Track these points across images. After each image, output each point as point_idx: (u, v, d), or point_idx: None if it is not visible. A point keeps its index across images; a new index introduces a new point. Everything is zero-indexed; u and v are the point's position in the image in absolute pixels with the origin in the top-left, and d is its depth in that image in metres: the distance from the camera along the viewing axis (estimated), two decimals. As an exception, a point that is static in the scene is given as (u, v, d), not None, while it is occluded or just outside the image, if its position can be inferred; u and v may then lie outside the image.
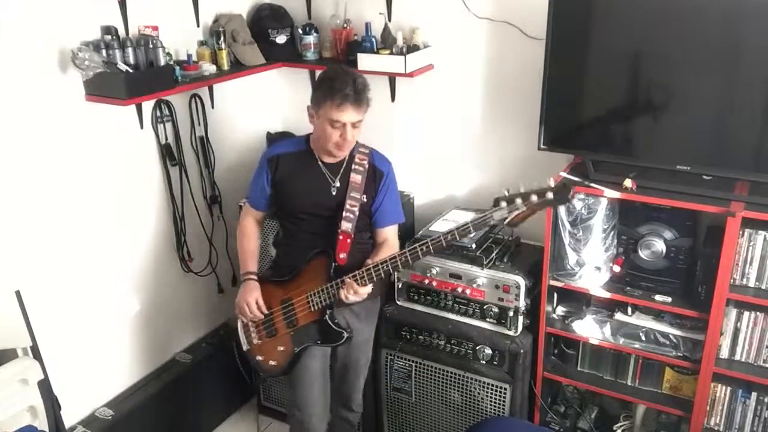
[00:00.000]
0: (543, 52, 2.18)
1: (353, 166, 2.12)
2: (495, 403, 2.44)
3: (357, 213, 2.11)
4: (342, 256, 2.10)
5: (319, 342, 2.16)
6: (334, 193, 2.12)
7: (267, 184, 2.18)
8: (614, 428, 2.61)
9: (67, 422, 2.38)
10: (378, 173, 2.16)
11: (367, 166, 2.13)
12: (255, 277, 2.20)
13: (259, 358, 2.23)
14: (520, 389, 2.40)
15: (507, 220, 1.83)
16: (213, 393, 2.95)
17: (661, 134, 2.11)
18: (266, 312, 2.18)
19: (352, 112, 1.95)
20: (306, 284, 2.12)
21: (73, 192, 2.35)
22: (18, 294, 2.07)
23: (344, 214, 2.09)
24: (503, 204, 1.82)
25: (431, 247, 1.94)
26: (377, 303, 2.38)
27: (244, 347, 2.26)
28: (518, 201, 1.80)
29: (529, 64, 2.41)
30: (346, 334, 2.15)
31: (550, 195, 1.77)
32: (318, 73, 2.97)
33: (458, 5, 2.56)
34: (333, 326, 2.13)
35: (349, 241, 2.10)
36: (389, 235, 2.22)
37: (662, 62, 2.02)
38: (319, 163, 2.12)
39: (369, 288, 2.03)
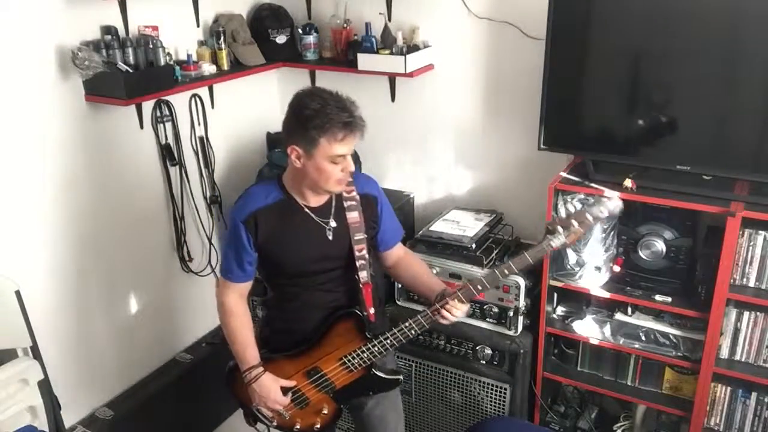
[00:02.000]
0: (543, 52, 2.18)
1: (345, 203, 1.82)
2: (495, 403, 2.44)
3: (367, 255, 1.84)
4: (372, 311, 1.85)
5: (371, 393, 1.96)
6: (331, 238, 1.80)
7: (250, 248, 1.80)
8: (614, 428, 2.61)
9: (67, 422, 2.38)
10: (371, 199, 1.88)
11: (358, 197, 1.84)
12: (261, 369, 1.85)
13: (298, 426, 1.95)
14: (520, 389, 2.40)
15: (565, 245, 1.78)
16: (213, 393, 2.94)
17: (661, 134, 2.11)
18: (292, 388, 1.89)
19: (352, 142, 1.67)
20: (334, 351, 1.86)
21: (73, 192, 2.34)
22: (18, 294, 2.06)
23: (358, 263, 1.82)
24: (560, 229, 1.74)
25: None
26: None
27: (272, 424, 1.96)
28: (574, 223, 1.73)
29: (529, 64, 2.41)
30: (401, 377, 1.97)
31: (604, 211, 1.74)
32: (318, 73, 2.99)
33: (458, 5, 2.56)
34: (387, 377, 1.92)
35: (370, 290, 1.85)
36: (401, 250, 2.01)
37: (662, 62, 2.02)
38: (305, 209, 1.80)
39: (467, 306, 1.81)
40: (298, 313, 1.89)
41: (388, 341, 1.82)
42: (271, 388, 1.85)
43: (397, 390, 2.02)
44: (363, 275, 1.84)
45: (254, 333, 1.91)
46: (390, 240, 1.97)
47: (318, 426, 1.96)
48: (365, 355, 1.84)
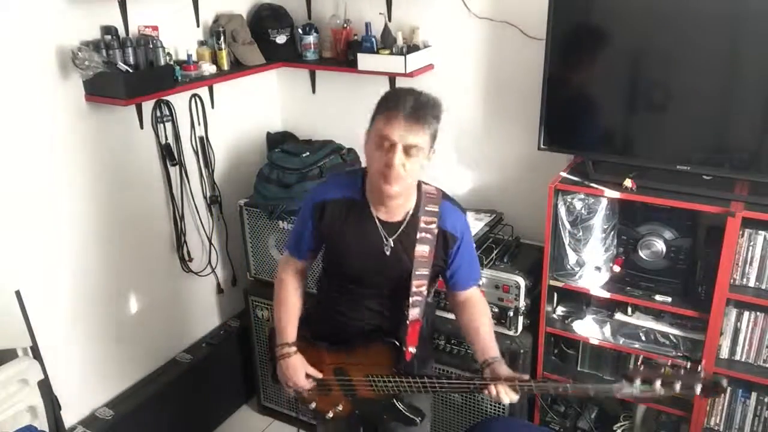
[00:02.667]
0: (543, 52, 2.18)
1: (419, 234, 1.69)
2: (495, 403, 2.44)
3: (425, 293, 1.76)
4: (411, 350, 1.77)
5: (384, 418, 1.91)
6: (387, 253, 1.71)
7: (310, 235, 1.80)
8: (614, 428, 2.61)
9: (67, 422, 2.38)
10: (450, 239, 1.74)
11: (436, 231, 1.70)
12: (294, 350, 1.86)
13: (314, 405, 1.97)
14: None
15: (636, 399, 1.64)
16: (213, 393, 2.95)
17: (661, 134, 2.11)
18: (317, 378, 1.91)
19: (403, 128, 1.54)
20: (364, 365, 1.83)
21: (73, 192, 2.35)
22: (18, 294, 2.07)
23: (412, 299, 1.72)
24: (637, 383, 1.55)
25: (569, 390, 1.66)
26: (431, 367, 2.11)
27: (291, 394, 2.00)
28: (657, 385, 1.53)
29: (529, 64, 2.41)
30: (419, 420, 1.88)
31: (698, 388, 1.52)
32: (318, 73, 3.00)
33: (458, 5, 2.56)
34: (406, 413, 1.86)
35: (417, 328, 1.77)
36: (472, 294, 1.86)
37: (662, 62, 2.02)
38: (374, 217, 1.72)
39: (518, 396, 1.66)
40: (340, 315, 1.87)
41: (416, 386, 1.76)
42: (296, 371, 1.86)
43: (425, 426, 1.95)
44: (414, 312, 1.75)
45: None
46: (462, 282, 1.84)
47: (330, 415, 1.95)
48: (389, 386, 1.80)
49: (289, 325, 1.88)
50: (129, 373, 2.71)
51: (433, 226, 1.71)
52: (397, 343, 1.78)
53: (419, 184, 1.74)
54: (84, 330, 2.49)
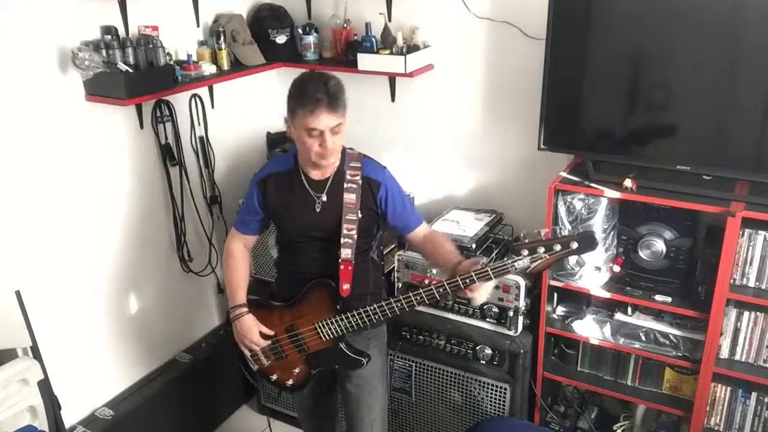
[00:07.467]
0: (543, 52, 2.18)
1: (345, 185, 1.94)
2: (495, 403, 2.44)
3: (356, 236, 1.94)
4: (345, 287, 1.94)
5: (336, 367, 2.07)
6: (318, 210, 1.94)
7: (258, 207, 2.02)
8: (614, 428, 2.61)
9: (67, 422, 2.38)
10: (373, 184, 1.96)
11: (360, 181, 1.95)
12: (246, 310, 2.03)
13: (275, 377, 2.11)
14: (520, 389, 2.40)
15: (528, 270, 1.72)
16: (213, 393, 2.95)
17: (661, 134, 2.11)
18: (271, 336, 2.03)
19: (327, 117, 1.78)
20: (310, 314, 1.98)
21: (73, 192, 2.35)
22: (18, 294, 2.07)
23: (342, 240, 1.92)
24: (525, 253, 1.69)
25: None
26: (384, 333, 2.20)
27: (254, 368, 2.12)
28: (541, 251, 1.69)
29: (529, 64, 2.41)
30: (365, 360, 2.01)
31: (574, 245, 1.68)
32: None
33: (458, 5, 2.56)
34: (351, 355, 2.00)
35: (350, 268, 1.94)
36: (425, 230, 2.06)
37: (662, 62, 2.02)
38: (304, 180, 1.96)
39: (492, 284, 1.78)
40: (290, 274, 2.07)
41: (354, 320, 1.92)
42: (250, 329, 2.01)
43: (375, 373, 2.10)
44: (345, 253, 1.93)
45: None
46: (410, 225, 2.04)
47: (290, 383, 2.09)
48: (333, 327, 1.95)
49: (238, 290, 2.06)
50: (129, 373, 2.71)
51: (357, 177, 1.95)
52: (332, 282, 1.94)
53: (343, 148, 1.97)
54: (84, 330, 2.49)
